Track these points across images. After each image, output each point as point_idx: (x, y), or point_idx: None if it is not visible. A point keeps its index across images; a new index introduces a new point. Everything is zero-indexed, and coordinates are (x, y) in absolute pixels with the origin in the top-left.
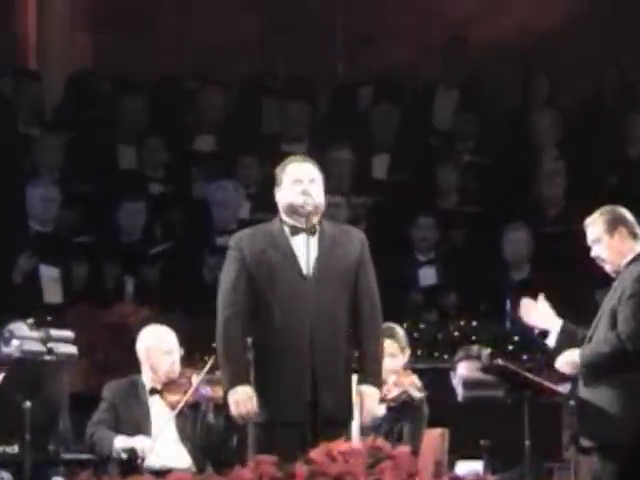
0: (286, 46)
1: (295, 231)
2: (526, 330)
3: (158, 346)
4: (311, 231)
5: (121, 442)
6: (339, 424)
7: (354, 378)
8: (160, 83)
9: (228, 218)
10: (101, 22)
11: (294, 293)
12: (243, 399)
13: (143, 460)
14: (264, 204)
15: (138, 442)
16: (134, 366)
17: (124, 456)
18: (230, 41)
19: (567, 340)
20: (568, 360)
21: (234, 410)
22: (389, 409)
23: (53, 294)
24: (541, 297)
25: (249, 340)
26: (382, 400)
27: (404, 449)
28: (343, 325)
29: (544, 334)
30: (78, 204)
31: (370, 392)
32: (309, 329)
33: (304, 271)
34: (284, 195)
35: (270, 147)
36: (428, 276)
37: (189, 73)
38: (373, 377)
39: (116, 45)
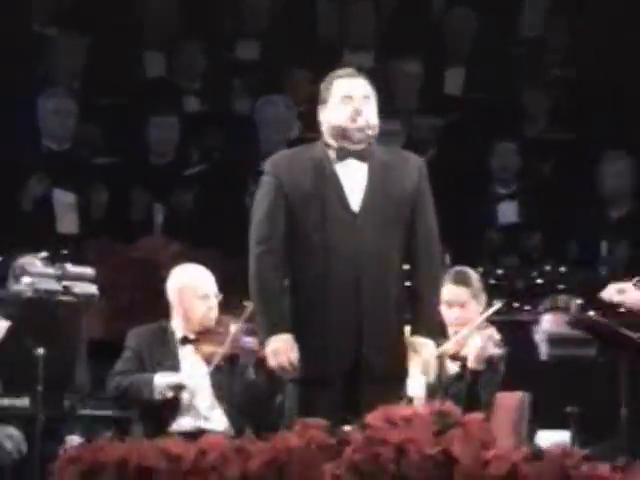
0: None
1: (342, 156)
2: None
3: (193, 289)
4: (361, 156)
5: (165, 378)
6: (391, 383)
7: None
8: None
9: (278, 140)
10: None
11: (339, 229)
12: (283, 348)
13: (190, 400)
14: (316, 124)
15: (184, 378)
16: (163, 310)
17: (170, 394)
18: None
19: None
20: None
21: (272, 361)
22: (463, 369)
23: (69, 224)
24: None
25: (286, 283)
26: (454, 357)
27: (477, 415)
28: (396, 268)
29: None
30: (99, 118)
31: (423, 344)
32: (356, 272)
33: (351, 203)
34: (331, 115)
35: (328, 56)
36: (509, 212)
37: None
38: (428, 326)
39: None
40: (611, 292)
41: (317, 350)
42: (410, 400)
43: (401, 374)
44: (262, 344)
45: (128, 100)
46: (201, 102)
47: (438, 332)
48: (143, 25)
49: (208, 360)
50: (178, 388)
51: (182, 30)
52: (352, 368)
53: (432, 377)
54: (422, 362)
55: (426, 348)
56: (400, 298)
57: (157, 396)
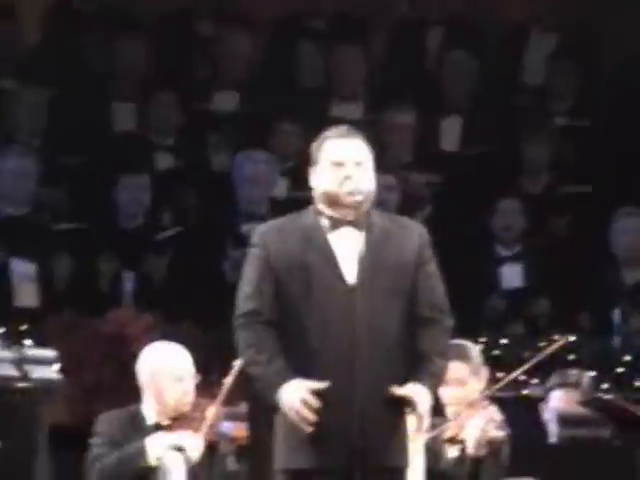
0: None
1: (335, 225)
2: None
3: (166, 371)
4: (357, 225)
5: (159, 439)
6: (394, 472)
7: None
8: (167, 22)
9: (258, 199)
10: None
11: (335, 305)
12: (296, 395)
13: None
14: (305, 181)
15: (180, 439)
16: (133, 391)
17: (168, 458)
18: None
19: None
20: None
21: (293, 415)
22: (463, 453)
23: (28, 296)
24: None
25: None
26: (452, 441)
27: None
28: (399, 346)
29: None
30: (62, 180)
31: (418, 392)
32: (353, 349)
33: (347, 277)
34: (321, 181)
35: (313, 107)
36: (513, 276)
37: (205, 10)
38: (425, 377)
39: None
40: None
41: (313, 440)
42: None
43: (403, 463)
44: (273, 408)
45: (94, 158)
46: (175, 159)
47: (437, 384)
48: (110, 75)
49: None
50: (177, 449)
51: (153, 80)
52: (349, 458)
53: (424, 431)
54: (416, 418)
55: (422, 397)
56: (404, 377)
57: (153, 461)
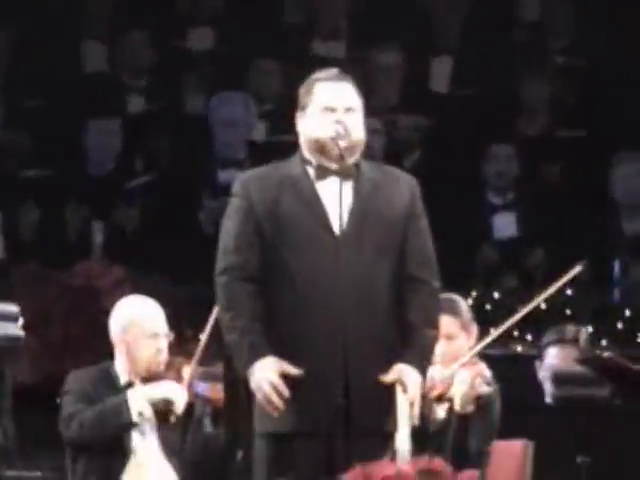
0: None
1: (322, 174)
2: None
3: (139, 327)
4: (345, 174)
5: (143, 391)
6: (379, 435)
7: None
8: None
9: (236, 143)
10: None
11: (320, 258)
12: (266, 377)
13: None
14: (286, 124)
15: (170, 390)
16: (103, 347)
17: (149, 413)
18: None
19: None
20: None
21: (260, 397)
22: (450, 412)
23: None
24: None
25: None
26: (440, 399)
27: (471, 473)
28: (386, 301)
29: None
30: (27, 123)
31: (408, 372)
32: (339, 303)
33: (334, 228)
34: (309, 126)
35: (294, 45)
36: (506, 226)
37: None
38: (414, 354)
39: None
40: None
41: (295, 400)
42: (394, 454)
43: (389, 427)
44: (245, 379)
45: (61, 101)
46: (147, 101)
47: (426, 361)
48: (78, 12)
49: None
50: (164, 403)
51: (124, 17)
52: (333, 420)
53: (416, 417)
54: (407, 397)
55: (411, 377)
56: (392, 337)
57: (135, 417)
